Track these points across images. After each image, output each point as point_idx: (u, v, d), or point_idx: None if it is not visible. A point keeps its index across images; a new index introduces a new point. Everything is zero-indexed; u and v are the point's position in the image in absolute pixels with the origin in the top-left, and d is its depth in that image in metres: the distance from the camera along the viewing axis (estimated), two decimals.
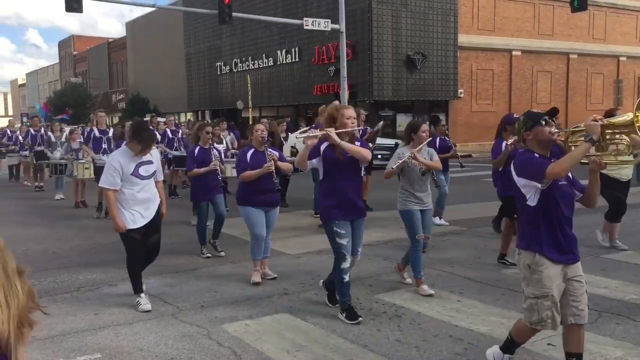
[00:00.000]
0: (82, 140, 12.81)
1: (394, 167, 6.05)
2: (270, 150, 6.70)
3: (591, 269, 6.77)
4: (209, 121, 27.56)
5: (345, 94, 23.12)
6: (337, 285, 5.43)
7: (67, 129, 21.86)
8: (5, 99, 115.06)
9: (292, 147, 12.96)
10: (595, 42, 38.01)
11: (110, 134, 12.06)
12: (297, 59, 33.61)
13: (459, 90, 32.18)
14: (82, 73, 69.17)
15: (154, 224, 5.90)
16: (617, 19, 39.03)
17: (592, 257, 7.47)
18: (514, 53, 34.64)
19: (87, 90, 60.81)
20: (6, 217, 11.71)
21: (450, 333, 4.95)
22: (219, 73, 40.71)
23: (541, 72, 36.09)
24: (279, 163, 6.63)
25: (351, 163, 5.21)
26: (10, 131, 19.67)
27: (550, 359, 4.40)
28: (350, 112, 5.31)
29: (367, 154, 5.26)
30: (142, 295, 5.79)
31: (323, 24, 21.77)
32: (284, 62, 34.59)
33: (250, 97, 29.59)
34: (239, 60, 38.41)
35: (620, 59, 39.20)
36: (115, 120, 52.17)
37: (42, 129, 17.13)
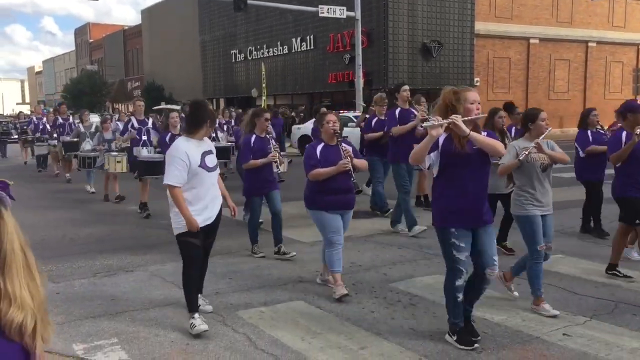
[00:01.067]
0: (117, 128, 12.43)
1: (521, 157, 5.04)
2: (344, 145, 5.74)
3: (608, 259, 6.71)
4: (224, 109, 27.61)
5: (360, 82, 23.05)
6: (448, 303, 4.55)
7: (96, 118, 20.41)
8: (23, 87, 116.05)
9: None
10: (615, 30, 37.46)
11: (150, 124, 10.80)
12: (312, 47, 33.49)
13: (475, 79, 31.91)
14: (98, 61, 69.53)
15: (215, 226, 5.11)
16: (637, 6, 38.42)
17: (609, 248, 7.40)
18: (531, 41, 34.26)
19: (103, 77, 61.16)
20: (25, 203, 11.84)
21: None
22: (233, 61, 40.71)
23: (559, 60, 35.68)
24: (355, 160, 5.68)
25: (478, 158, 4.32)
26: (37, 119, 18.61)
27: (566, 349, 4.38)
28: (474, 95, 4.48)
29: (500, 147, 4.40)
30: (197, 315, 4.80)
31: (338, 12, 21.67)
32: (299, 50, 34.49)
33: (265, 85, 29.58)
34: (253, 48, 38.37)
35: None
36: (131, 108, 52.53)
37: (71, 118, 16.43)
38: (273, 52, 36.51)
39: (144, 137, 10.48)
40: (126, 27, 66.73)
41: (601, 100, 35.87)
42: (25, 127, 19.60)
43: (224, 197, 5.21)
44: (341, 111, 22.95)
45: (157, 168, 9.37)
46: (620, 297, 5.54)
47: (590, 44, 36.55)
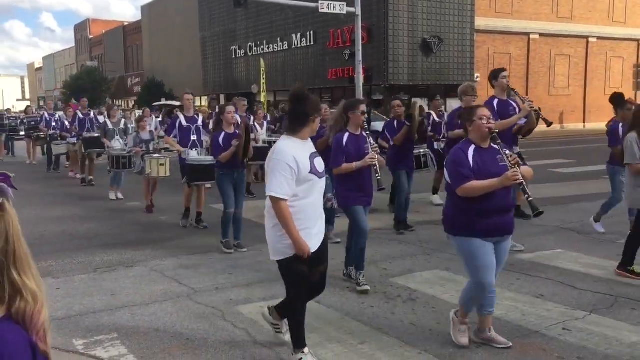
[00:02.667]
0: (157, 129, 11.84)
1: None
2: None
3: (608, 254, 6.72)
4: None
5: (360, 78, 23.01)
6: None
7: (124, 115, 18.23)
8: (23, 83, 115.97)
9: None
10: (615, 26, 37.40)
11: (200, 121, 9.24)
12: (312, 43, 33.44)
13: (476, 75, 31.86)
14: (98, 57, 69.44)
15: (325, 247, 4.15)
16: (638, 1, 38.33)
17: (609, 243, 7.41)
18: (531, 36, 34.21)
19: (103, 74, 61.09)
20: (25, 199, 11.85)
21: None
22: (233, 57, 40.65)
23: (559, 56, 35.63)
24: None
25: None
26: (49, 114, 17.08)
27: (565, 343, 4.38)
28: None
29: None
30: (307, 350, 4.09)
31: (338, 7, 21.61)
32: (299, 45, 34.44)
33: (264, 80, 29.54)
34: (253, 43, 38.31)
35: None
36: (131, 104, 52.50)
37: (92, 113, 14.97)
38: (273, 48, 36.46)
39: (193, 137, 9.01)
40: (126, 23, 66.61)
41: (601, 96, 35.82)
42: (33, 123, 18.15)
43: None
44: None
45: (208, 173, 8.36)
46: (619, 291, 5.54)
47: (590, 40, 36.50)
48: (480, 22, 31.54)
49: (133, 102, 28.07)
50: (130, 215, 10.05)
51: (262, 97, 29.56)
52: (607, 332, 4.57)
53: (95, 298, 5.60)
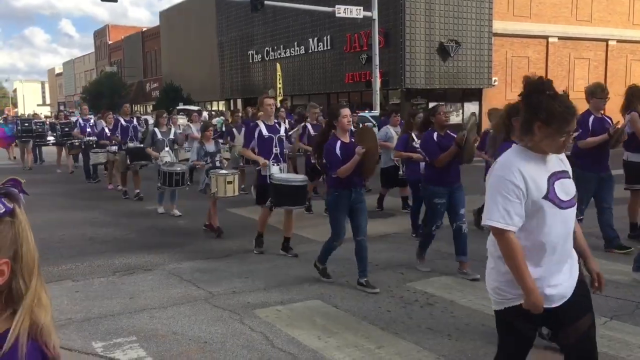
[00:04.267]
0: (223, 139, 10.88)
1: None
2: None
3: (630, 259, 6.62)
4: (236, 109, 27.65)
5: (377, 82, 23.01)
6: None
7: (180, 121, 17.20)
8: (43, 88, 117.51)
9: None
10: (636, 28, 36.94)
11: (283, 130, 7.67)
12: (328, 47, 33.48)
13: (493, 78, 31.67)
14: (117, 62, 70.17)
15: (581, 301, 2.88)
16: None
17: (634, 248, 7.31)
18: (550, 40, 33.91)
19: (121, 79, 61.72)
20: (46, 203, 11.99)
21: (482, 322, 4.90)
22: (250, 61, 40.84)
23: (579, 59, 35.28)
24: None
25: None
26: (83, 120, 15.73)
27: None
28: None
29: None
30: None
31: (355, 12, 21.64)
32: (316, 50, 34.50)
33: (280, 85, 29.61)
34: (270, 48, 38.45)
35: None
36: (150, 108, 52.96)
37: (135, 120, 13.64)
38: (290, 52, 36.56)
39: (276, 150, 7.44)
40: (144, 29, 67.25)
41: (621, 100, 35.42)
42: (67, 129, 16.84)
43: (581, 255, 3.04)
44: (357, 111, 22.92)
45: (300, 196, 7.15)
46: None
47: (610, 42, 36.08)
48: (498, 25, 31.35)
49: (172, 109, 27.36)
50: (149, 219, 10.12)
51: (278, 102, 29.63)
52: (628, 338, 4.51)
53: (114, 301, 5.64)
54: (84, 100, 55.66)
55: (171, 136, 10.64)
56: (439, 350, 4.37)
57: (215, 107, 42.46)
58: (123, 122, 12.68)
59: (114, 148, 13.04)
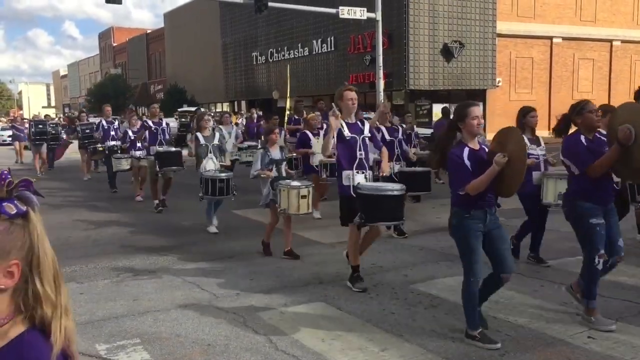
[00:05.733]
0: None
1: None
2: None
3: (635, 261, 6.60)
4: (241, 111, 27.66)
5: (381, 83, 22.98)
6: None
7: (232, 120, 15.13)
8: (48, 90, 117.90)
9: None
10: None
11: (367, 129, 6.15)
12: (332, 48, 33.50)
13: (497, 79, 31.61)
14: (122, 64, 70.37)
15: None
16: None
17: (636, 249, 7.28)
18: (554, 40, 33.83)
19: (126, 81, 61.87)
20: (52, 203, 12.01)
21: (488, 324, 4.88)
22: (254, 63, 40.89)
23: (583, 59, 35.18)
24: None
25: None
26: (107, 122, 14.01)
27: (590, 351, 4.30)
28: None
29: None
30: None
31: (359, 13, 21.62)
32: (320, 51, 34.52)
33: (289, 86, 29.60)
34: (274, 50, 38.49)
35: None
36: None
37: (164, 122, 11.62)
38: (294, 54, 36.58)
39: (360, 154, 5.96)
40: (149, 31, 67.42)
41: (626, 100, 35.24)
42: (88, 131, 15.33)
43: None
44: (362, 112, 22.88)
45: (398, 208, 5.85)
46: None
47: (614, 43, 35.97)
48: (502, 26, 31.29)
49: (204, 109, 26.63)
50: (153, 220, 10.13)
51: (287, 104, 29.63)
52: (634, 341, 4.48)
53: (118, 303, 5.65)
54: (89, 102, 55.80)
55: (215, 141, 9.11)
56: (443, 352, 4.35)
57: (219, 109, 42.48)
58: (152, 125, 11.25)
59: (139, 153, 12.00)
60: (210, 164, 8.84)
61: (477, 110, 4.50)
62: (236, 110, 37.76)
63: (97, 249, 8.02)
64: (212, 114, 16.90)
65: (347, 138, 5.96)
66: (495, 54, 31.17)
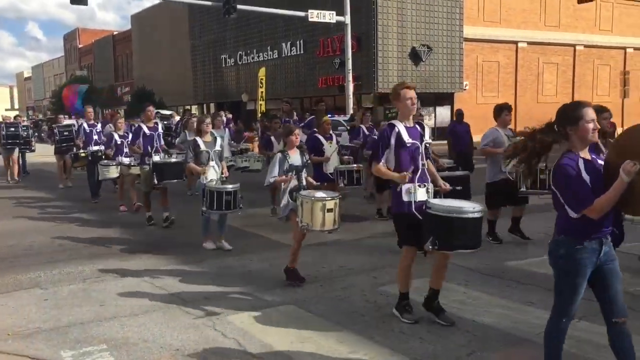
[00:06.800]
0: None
1: None
2: None
3: None
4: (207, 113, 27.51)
5: (350, 86, 23.10)
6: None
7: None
8: (11, 92, 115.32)
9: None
10: (602, 34, 37.79)
11: (428, 135, 5.23)
12: (302, 52, 33.55)
13: (465, 83, 32.08)
14: (88, 66, 69.28)
15: None
16: (625, 10, 38.79)
17: None
18: (519, 45, 34.49)
19: (92, 83, 60.92)
20: (14, 210, 11.75)
21: (456, 325, 4.94)
22: (224, 65, 40.71)
23: (547, 64, 35.93)
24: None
25: None
26: (89, 125, 12.79)
27: None
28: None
29: None
30: None
31: (328, 16, 21.72)
32: (289, 54, 34.55)
33: (263, 89, 29.55)
34: (243, 52, 38.39)
35: (627, 50, 38.99)
36: (122, 113, 52.36)
37: (160, 126, 10.40)
38: (263, 56, 36.53)
39: (423, 164, 5.06)
40: (116, 33, 66.54)
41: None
42: (66, 134, 14.12)
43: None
44: (306, 114, 22.96)
45: (477, 232, 4.81)
46: None
47: (578, 48, 36.84)
48: (469, 30, 31.78)
49: (123, 112, 26.28)
50: (121, 225, 9.98)
51: (260, 107, 29.57)
52: (597, 339, 4.58)
53: (83, 309, 5.55)
54: (53, 104, 54.73)
55: (217, 147, 8.17)
56: (412, 353, 4.39)
57: (194, 111, 42.11)
58: (146, 130, 9.87)
59: (127, 160, 11.00)
60: (212, 173, 7.93)
61: (593, 112, 3.61)
62: (204, 112, 37.47)
63: (62, 254, 7.87)
64: (187, 116, 16.12)
65: (408, 145, 4.97)
66: (463, 58, 31.63)
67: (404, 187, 4.95)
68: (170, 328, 4.99)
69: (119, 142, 11.18)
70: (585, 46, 37.01)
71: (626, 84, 32.97)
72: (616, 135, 16.31)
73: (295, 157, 6.45)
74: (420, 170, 5.00)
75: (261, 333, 4.84)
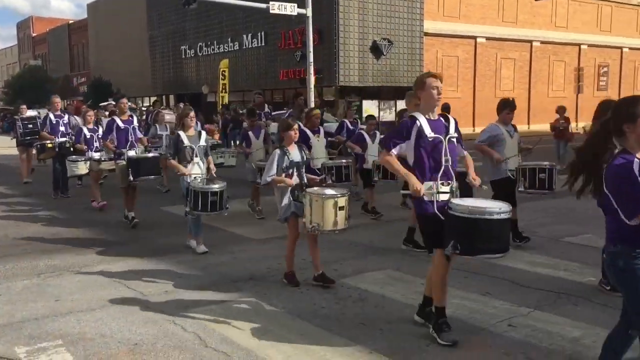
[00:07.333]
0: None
1: None
2: None
3: (552, 252, 6.95)
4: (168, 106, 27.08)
5: (311, 79, 23.06)
6: None
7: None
8: None
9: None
10: (558, 30, 38.67)
11: (453, 128, 4.69)
12: (263, 44, 33.32)
13: None
14: (42, 55, 67.36)
15: None
16: (579, 7, 39.75)
17: (554, 241, 7.65)
18: (478, 40, 35.00)
19: (47, 73, 59.29)
20: None
21: (413, 316, 5.01)
22: (183, 57, 40.13)
23: (505, 59, 36.58)
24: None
25: None
26: (55, 116, 12.11)
27: (510, 339, 4.49)
28: None
29: None
30: None
31: (289, 8, 21.59)
32: (250, 46, 34.27)
33: (225, 81, 29.16)
34: (204, 44, 37.89)
35: (582, 47, 39.99)
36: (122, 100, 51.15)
37: (135, 120, 9.78)
38: (224, 48, 36.13)
39: (447, 160, 4.57)
40: (71, 21, 64.84)
41: (545, 99, 37.06)
42: (31, 126, 13.07)
43: None
44: (284, 108, 22.91)
45: (505, 236, 4.47)
46: (562, 288, 5.73)
47: (534, 44, 37.61)
48: (429, 25, 32.08)
49: (153, 101, 24.38)
50: (78, 219, 9.78)
51: (221, 99, 29.20)
52: (550, 328, 4.72)
53: (39, 304, 5.43)
54: (6, 94, 53.06)
55: (201, 142, 7.62)
56: (371, 344, 4.44)
57: (147, 103, 41.41)
58: (120, 123, 9.34)
59: (97, 155, 10.35)
60: (197, 169, 7.44)
61: None
62: (164, 105, 36.90)
63: (16, 249, 7.66)
64: (146, 109, 15.51)
65: (430, 139, 4.52)
66: (423, 52, 31.91)
67: (425, 185, 4.47)
68: (129, 322, 4.92)
69: (88, 137, 10.57)
70: (542, 42, 37.82)
71: (580, 80, 33.90)
72: (570, 131, 16.62)
73: (294, 153, 6.01)
74: (443, 167, 4.51)
75: (221, 326, 4.82)
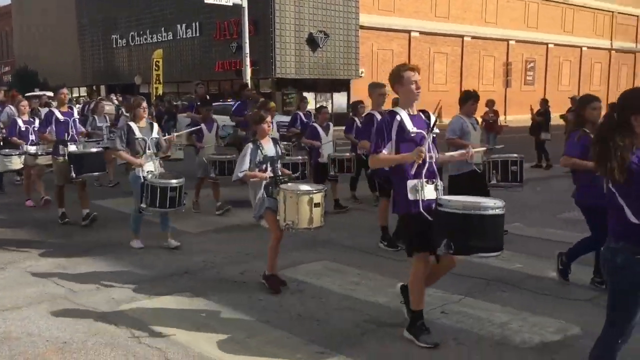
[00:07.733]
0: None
1: None
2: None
3: None
4: (102, 96, 26.31)
5: (247, 70, 22.89)
6: None
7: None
8: None
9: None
10: (488, 26, 39.89)
11: (433, 123, 4.46)
12: (198, 34, 32.81)
13: (360, 70, 32.73)
14: None
15: None
16: (507, 4, 41.12)
17: None
18: (412, 34, 35.65)
19: None
20: None
21: (351, 306, 5.08)
22: (114, 46, 39.00)
23: (438, 53, 37.43)
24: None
25: None
26: None
27: (443, 326, 4.62)
28: None
29: None
30: None
31: None
32: (185, 36, 33.66)
33: (159, 72, 28.48)
34: (136, 33, 36.93)
35: (510, 42, 41.42)
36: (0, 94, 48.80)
37: (75, 111, 9.47)
38: (157, 38, 35.33)
39: (430, 156, 4.34)
40: None
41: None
42: None
43: None
44: (229, 100, 22.69)
45: (500, 234, 4.14)
46: (491, 275, 5.93)
47: (465, 39, 38.66)
48: (365, 18, 32.41)
49: (2, 93, 23.61)
50: (4, 214, 9.34)
51: (155, 90, 28.48)
52: (480, 314, 4.88)
53: None
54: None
55: (154, 135, 7.14)
56: (307, 335, 4.46)
57: (76, 94, 39.98)
58: (59, 115, 8.61)
59: (33, 149, 9.43)
60: (150, 165, 6.96)
61: None
62: (101, 95, 35.74)
63: None
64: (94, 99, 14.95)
65: (412, 135, 4.27)
66: (359, 46, 32.23)
67: (409, 183, 4.21)
68: (58, 320, 4.75)
69: (23, 129, 9.65)
70: (473, 37, 38.92)
71: (508, 74, 35.10)
72: (499, 123, 17.09)
73: (268, 147, 5.67)
74: (427, 164, 4.24)
75: (155, 322, 4.72)
